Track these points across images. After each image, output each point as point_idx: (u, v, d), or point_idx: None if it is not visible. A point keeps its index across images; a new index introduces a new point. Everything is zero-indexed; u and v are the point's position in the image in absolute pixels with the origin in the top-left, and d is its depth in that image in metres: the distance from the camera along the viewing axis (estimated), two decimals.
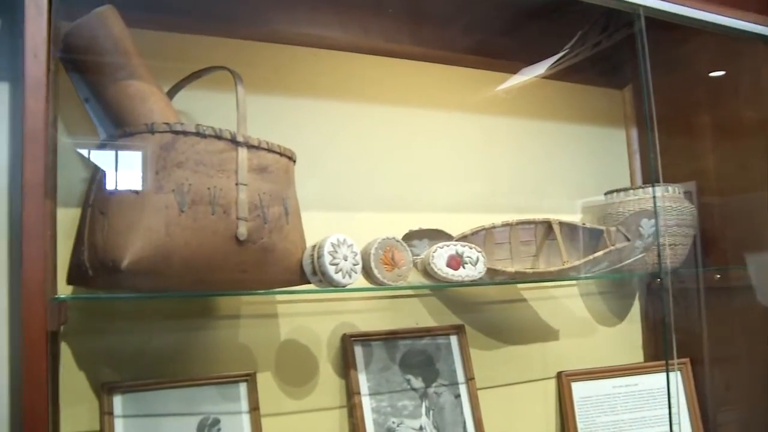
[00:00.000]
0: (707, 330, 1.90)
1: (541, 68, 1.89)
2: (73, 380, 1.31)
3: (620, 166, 2.06)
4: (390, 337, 1.59)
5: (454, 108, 1.79)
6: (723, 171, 1.91)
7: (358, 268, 1.28)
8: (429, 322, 1.68)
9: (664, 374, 1.73)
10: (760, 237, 1.82)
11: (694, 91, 1.97)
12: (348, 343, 1.54)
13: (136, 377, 1.34)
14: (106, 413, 1.28)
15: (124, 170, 1.13)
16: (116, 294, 1.18)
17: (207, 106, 1.42)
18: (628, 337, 1.99)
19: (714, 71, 1.94)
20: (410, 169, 1.71)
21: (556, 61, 1.85)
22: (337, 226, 1.33)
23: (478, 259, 1.42)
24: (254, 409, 1.40)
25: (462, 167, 1.78)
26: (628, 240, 1.60)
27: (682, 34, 1.74)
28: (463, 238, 1.61)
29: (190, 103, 1.41)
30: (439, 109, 1.77)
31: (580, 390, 1.80)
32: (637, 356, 2.00)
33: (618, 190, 1.81)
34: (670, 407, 1.63)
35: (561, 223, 1.69)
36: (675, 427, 1.63)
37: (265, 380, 1.47)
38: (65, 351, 1.31)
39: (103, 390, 1.30)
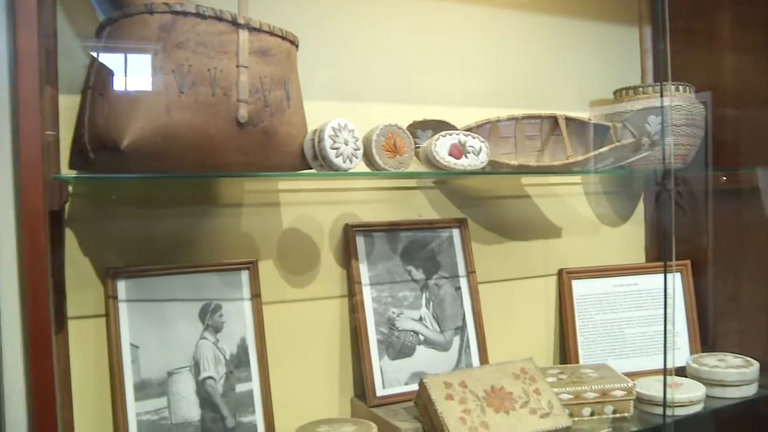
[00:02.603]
0: (713, 234, 1.90)
1: None
2: (78, 265, 1.33)
3: (632, 65, 2.01)
4: (392, 229, 1.60)
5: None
6: (742, 75, 1.87)
7: (359, 153, 1.27)
8: (432, 214, 1.68)
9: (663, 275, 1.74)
10: None
11: None
12: (350, 233, 1.55)
13: (140, 263, 1.36)
14: (110, 297, 1.31)
15: (123, 52, 1.11)
16: (116, 174, 1.18)
17: None
18: (631, 237, 2.00)
19: None
20: (418, 60, 1.67)
21: None
22: (344, 115, 1.31)
23: (480, 149, 1.41)
24: (256, 296, 1.43)
25: (470, 60, 1.75)
26: (635, 137, 1.59)
27: None
28: (468, 130, 1.59)
29: None
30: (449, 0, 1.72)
31: (580, 288, 1.82)
32: (640, 257, 2.02)
33: (627, 88, 1.78)
34: (665, 308, 1.65)
35: (567, 119, 1.67)
36: (669, 326, 1.65)
37: (267, 268, 1.49)
38: (70, 237, 1.32)
39: (108, 275, 1.32)
